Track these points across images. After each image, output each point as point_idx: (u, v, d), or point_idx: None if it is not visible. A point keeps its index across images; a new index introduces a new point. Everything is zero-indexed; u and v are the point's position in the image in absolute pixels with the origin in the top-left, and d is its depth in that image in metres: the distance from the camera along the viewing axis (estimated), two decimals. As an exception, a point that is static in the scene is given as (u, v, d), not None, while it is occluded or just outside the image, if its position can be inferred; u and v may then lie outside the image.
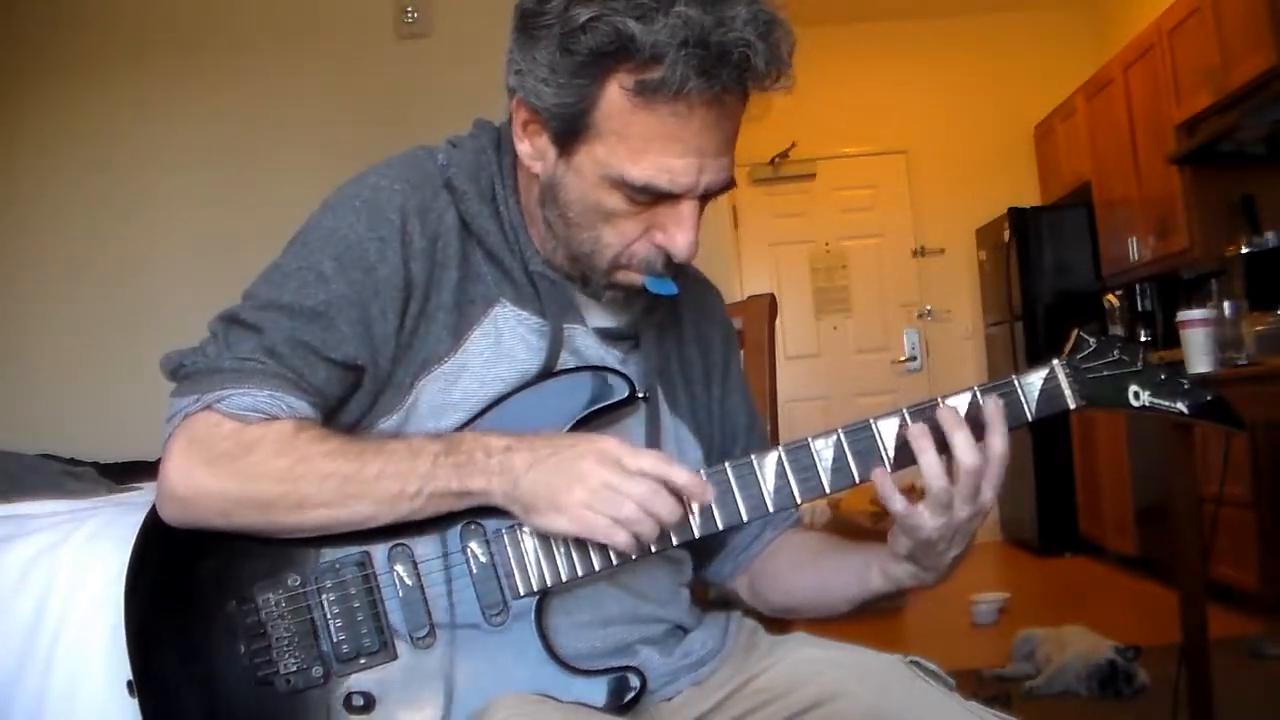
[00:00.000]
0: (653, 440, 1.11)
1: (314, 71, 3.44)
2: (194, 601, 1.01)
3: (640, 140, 0.97)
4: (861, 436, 1.01)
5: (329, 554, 1.01)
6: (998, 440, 0.98)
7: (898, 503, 0.99)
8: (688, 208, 1.01)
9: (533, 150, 1.04)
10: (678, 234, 1.01)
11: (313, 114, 3.42)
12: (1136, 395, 1.03)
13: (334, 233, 1.03)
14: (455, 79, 3.20)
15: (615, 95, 0.96)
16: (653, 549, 1.00)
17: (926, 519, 0.99)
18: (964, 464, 0.97)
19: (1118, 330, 4.76)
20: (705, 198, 1.02)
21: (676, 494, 0.97)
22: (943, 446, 0.98)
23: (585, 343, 1.10)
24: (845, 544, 1.16)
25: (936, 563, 1.03)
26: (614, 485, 0.95)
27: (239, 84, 3.44)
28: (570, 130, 0.99)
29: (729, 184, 1.02)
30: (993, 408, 0.99)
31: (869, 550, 1.10)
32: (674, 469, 0.97)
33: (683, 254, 1.02)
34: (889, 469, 1.00)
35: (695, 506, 1.00)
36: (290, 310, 1.00)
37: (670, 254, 1.03)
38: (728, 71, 0.94)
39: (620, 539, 0.95)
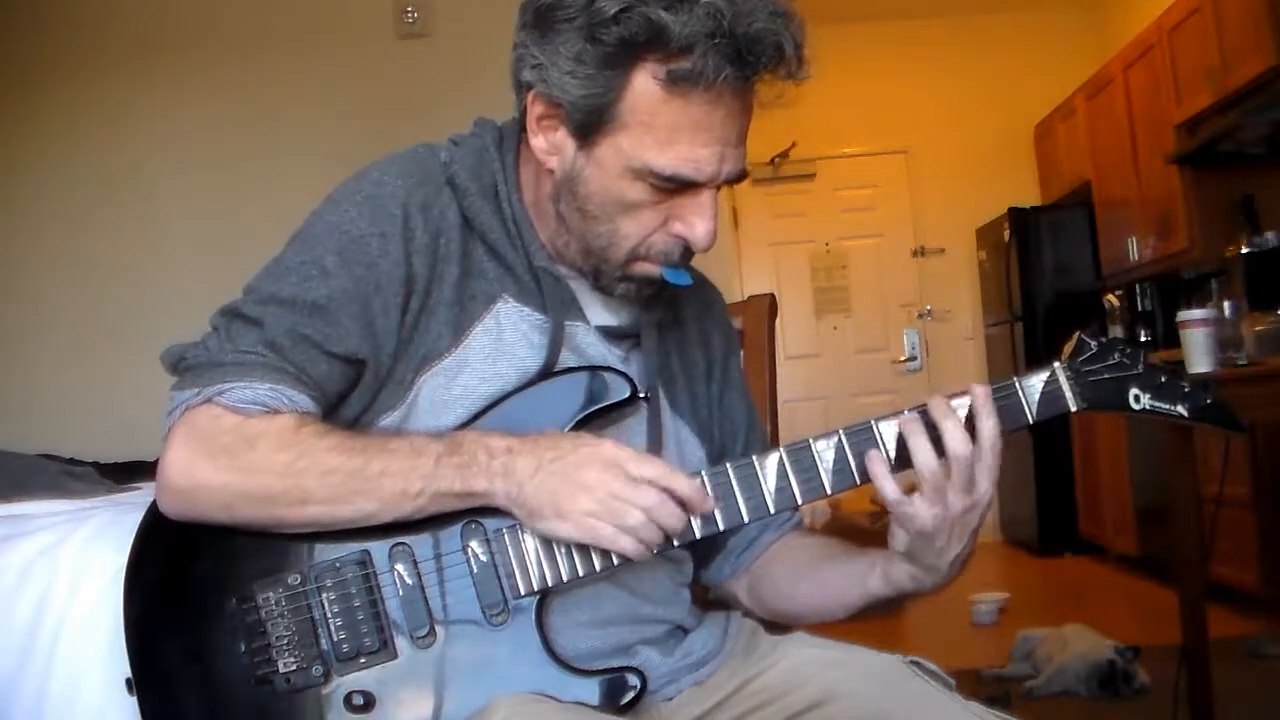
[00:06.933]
0: (654, 440, 1.11)
1: (314, 71, 3.44)
2: (194, 600, 1.01)
3: (667, 130, 0.97)
4: (863, 438, 1.01)
5: (329, 552, 1.01)
6: (987, 426, 0.98)
7: (890, 488, 0.99)
8: (707, 196, 1.02)
9: (548, 145, 1.04)
10: (698, 223, 1.02)
11: (313, 114, 3.42)
12: (1137, 398, 1.03)
13: (336, 227, 1.03)
14: (455, 79, 3.21)
15: (644, 85, 0.96)
16: (653, 551, 0.99)
17: (921, 508, 0.98)
18: (954, 451, 0.97)
19: (1117, 330, 4.76)
20: (720, 187, 1.03)
21: (680, 501, 0.97)
22: (941, 443, 0.98)
23: (586, 340, 1.10)
24: (846, 548, 1.15)
25: (936, 561, 1.02)
26: (619, 494, 0.95)
27: (239, 84, 3.44)
28: (593, 122, 0.99)
29: (745, 173, 1.03)
30: (980, 395, 0.99)
31: (870, 554, 1.10)
32: (678, 478, 0.97)
33: (703, 242, 1.03)
34: (889, 468, 1.00)
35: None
36: (291, 304, 1.00)
37: (690, 243, 1.04)
38: (762, 59, 0.95)
39: (625, 546, 0.95)
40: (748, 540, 1.21)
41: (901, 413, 1.01)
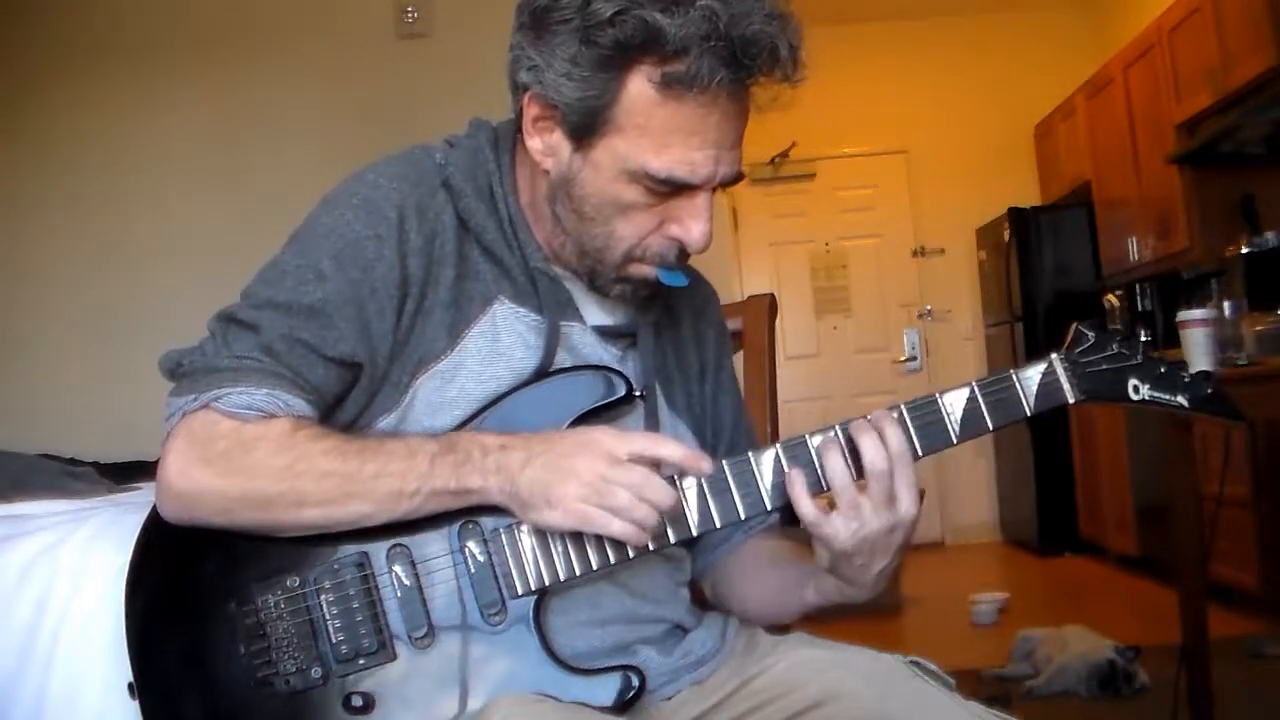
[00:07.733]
0: (652, 439, 1.11)
1: (314, 71, 3.44)
2: (194, 602, 1.01)
3: (662, 133, 0.97)
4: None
5: (328, 554, 1.01)
6: (892, 438, 0.97)
7: (808, 509, 0.98)
8: (703, 198, 1.02)
9: (544, 147, 1.04)
10: (694, 225, 1.02)
11: (313, 114, 3.42)
12: (1136, 389, 1.02)
13: (331, 230, 1.03)
14: (455, 79, 3.20)
15: (639, 88, 0.97)
16: (650, 546, 1.00)
17: (839, 526, 0.97)
18: (870, 466, 0.96)
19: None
20: (715, 189, 1.03)
21: (672, 477, 0.97)
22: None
23: (583, 340, 1.10)
24: (794, 555, 1.14)
25: (860, 576, 1.01)
26: (606, 476, 0.95)
27: (238, 84, 3.44)
28: (589, 124, 0.99)
29: (740, 175, 1.03)
30: (879, 414, 0.99)
31: (808, 564, 1.08)
32: (665, 445, 0.97)
33: (699, 244, 1.03)
34: (808, 488, 0.99)
35: (691, 500, 1.00)
36: (287, 308, 1.00)
37: (686, 244, 1.04)
38: (758, 62, 0.95)
39: (617, 529, 0.95)
40: (720, 538, 1.20)
41: (898, 406, 1.01)
